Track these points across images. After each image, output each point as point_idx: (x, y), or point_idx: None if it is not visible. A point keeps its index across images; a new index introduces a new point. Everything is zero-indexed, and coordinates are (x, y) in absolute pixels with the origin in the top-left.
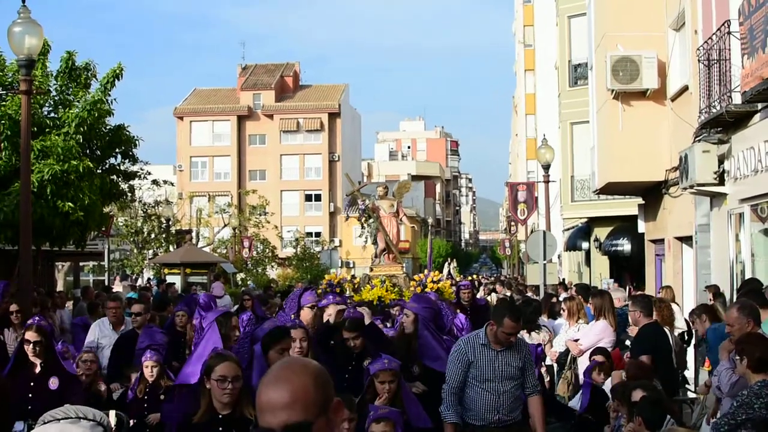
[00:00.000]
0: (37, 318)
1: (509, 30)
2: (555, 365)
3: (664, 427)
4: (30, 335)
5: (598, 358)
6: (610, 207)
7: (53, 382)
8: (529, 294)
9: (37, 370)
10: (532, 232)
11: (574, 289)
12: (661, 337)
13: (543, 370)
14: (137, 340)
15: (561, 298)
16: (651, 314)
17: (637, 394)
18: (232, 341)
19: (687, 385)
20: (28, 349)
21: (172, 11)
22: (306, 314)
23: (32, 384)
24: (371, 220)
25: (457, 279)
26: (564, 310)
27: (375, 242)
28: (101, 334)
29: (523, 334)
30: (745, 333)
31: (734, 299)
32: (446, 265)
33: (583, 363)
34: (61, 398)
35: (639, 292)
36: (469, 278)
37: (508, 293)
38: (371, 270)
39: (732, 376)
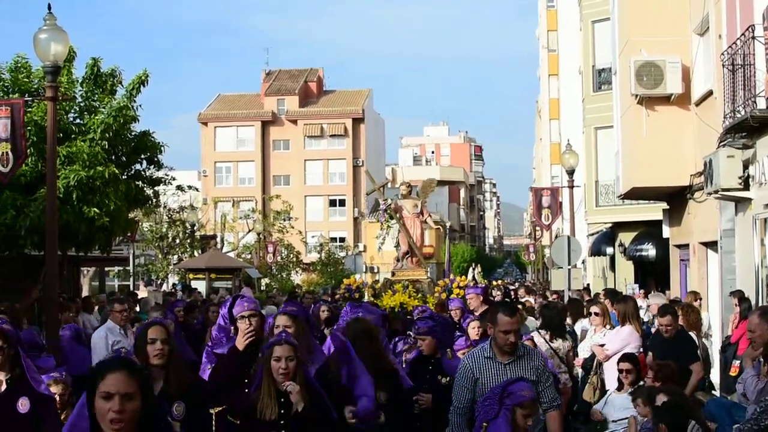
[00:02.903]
0: None
1: (533, 35)
2: (581, 371)
3: None
4: None
5: (625, 365)
6: (635, 212)
7: (23, 405)
8: (553, 298)
9: (2, 388)
10: (556, 237)
11: (602, 295)
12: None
13: (565, 377)
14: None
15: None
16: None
17: (661, 399)
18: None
19: (713, 390)
20: None
21: (196, 18)
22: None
23: None
24: (393, 221)
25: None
26: (597, 314)
27: (397, 245)
28: (114, 339)
29: (546, 339)
30: None
31: (760, 304)
32: (470, 270)
33: (609, 368)
34: (34, 424)
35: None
36: (495, 283)
37: (532, 299)
38: (393, 275)
39: (758, 383)
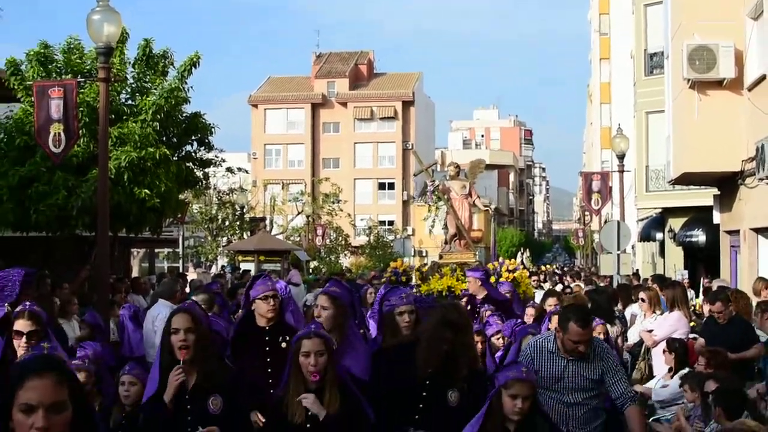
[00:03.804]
0: (27, 304)
1: (585, 18)
2: (629, 356)
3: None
4: (21, 324)
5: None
6: (685, 197)
7: None
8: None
9: None
10: (605, 222)
11: (650, 280)
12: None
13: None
14: None
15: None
16: None
17: (711, 385)
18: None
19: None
20: (20, 343)
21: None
22: (261, 307)
23: None
24: (441, 203)
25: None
26: (644, 300)
27: (445, 227)
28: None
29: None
30: None
31: None
32: (519, 254)
33: (657, 354)
34: None
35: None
36: (544, 268)
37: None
38: (441, 258)
39: None
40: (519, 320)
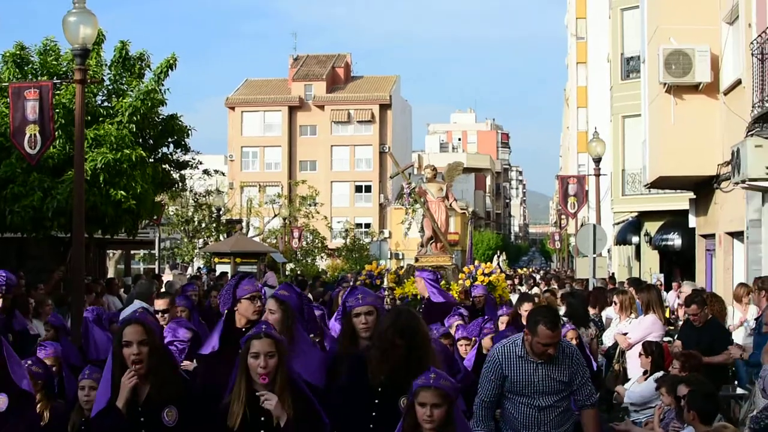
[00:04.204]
0: None
1: (562, 22)
2: (604, 359)
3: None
4: None
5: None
6: (661, 201)
7: (1, 402)
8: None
9: None
10: (582, 225)
11: (626, 283)
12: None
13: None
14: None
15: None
16: None
17: (682, 389)
18: None
19: (735, 382)
20: None
21: (224, 2)
22: (246, 308)
23: None
24: (417, 205)
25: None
26: (616, 303)
27: (421, 230)
28: None
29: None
30: None
31: None
32: (495, 257)
33: (631, 357)
34: (7, 423)
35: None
36: (521, 271)
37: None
38: (416, 260)
39: None
40: (486, 317)
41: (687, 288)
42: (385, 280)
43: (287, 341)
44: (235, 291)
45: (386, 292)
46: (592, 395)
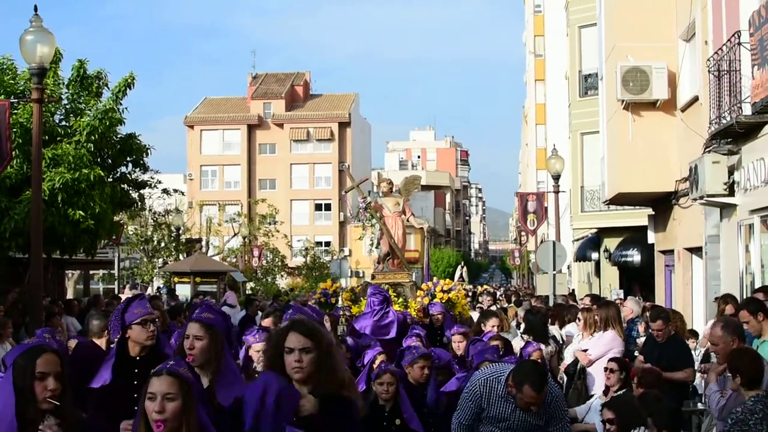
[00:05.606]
0: None
1: (520, 40)
2: (564, 376)
3: None
4: None
5: (612, 365)
6: (620, 217)
7: None
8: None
9: None
10: (541, 242)
11: (588, 300)
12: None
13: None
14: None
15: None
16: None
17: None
18: None
19: (696, 398)
20: None
21: (183, 21)
22: (138, 334)
23: None
24: (374, 221)
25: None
26: (580, 320)
27: (378, 246)
28: None
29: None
30: (735, 349)
31: None
32: (459, 268)
33: (592, 373)
34: None
35: (650, 303)
36: (481, 288)
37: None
38: (373, 278)
39: (720, 400)
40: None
41: (630, 303)
42: (340, 299)
43: (215, 369)
44: (124, 316)
45: (341, 312)
46: None
